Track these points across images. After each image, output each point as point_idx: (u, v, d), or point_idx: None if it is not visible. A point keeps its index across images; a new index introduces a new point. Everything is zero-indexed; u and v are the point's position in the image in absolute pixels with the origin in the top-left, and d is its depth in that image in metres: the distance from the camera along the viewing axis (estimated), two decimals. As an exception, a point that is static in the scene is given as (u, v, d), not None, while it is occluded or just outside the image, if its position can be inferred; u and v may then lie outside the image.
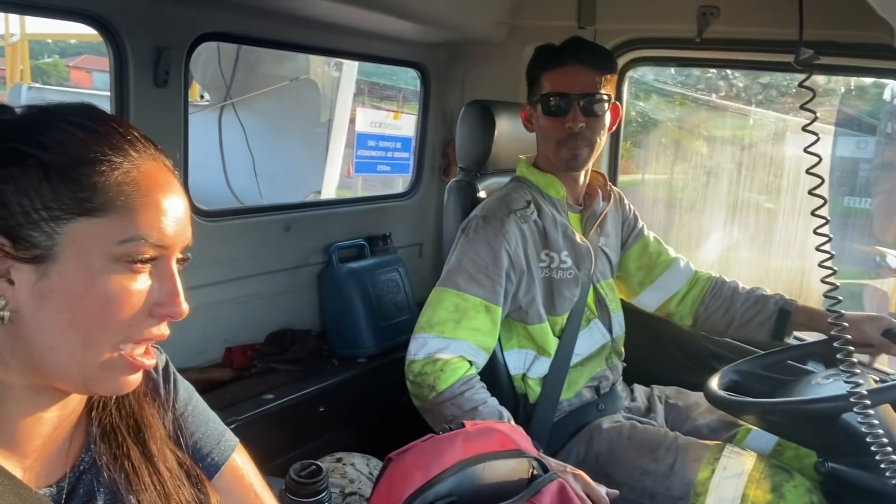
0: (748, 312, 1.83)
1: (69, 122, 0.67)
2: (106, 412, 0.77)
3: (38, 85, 6.49)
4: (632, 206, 1.98)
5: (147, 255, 0.68)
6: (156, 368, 0.84)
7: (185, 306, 0.71)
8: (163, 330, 0.71)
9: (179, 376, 0.87)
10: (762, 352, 1.80)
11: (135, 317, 0.67)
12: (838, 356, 1.15)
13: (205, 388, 0.91)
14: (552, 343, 1.71)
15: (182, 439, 0.83)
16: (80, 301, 0.65)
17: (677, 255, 1.96)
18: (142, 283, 0.68)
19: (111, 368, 0.68)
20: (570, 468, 1.33)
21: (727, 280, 1.90)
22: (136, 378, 0.71)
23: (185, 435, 0.84)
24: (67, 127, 0.67)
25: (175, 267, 0.71)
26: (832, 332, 1.16)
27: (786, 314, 1.77)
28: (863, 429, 1.09)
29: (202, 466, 0.84)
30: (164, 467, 0.78)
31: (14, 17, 6.76)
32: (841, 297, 1.13)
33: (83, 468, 0.74)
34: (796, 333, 1.84)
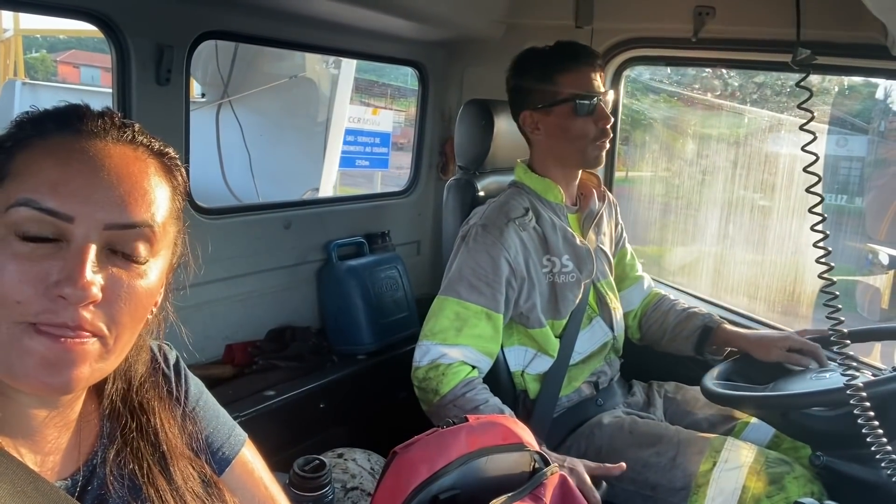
0: (678, 327, 1.92)
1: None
2: (115, 408, 0.77)
3: (31, 81, 6.47)
4: (619, 217, 2.03)
5: (36, 226, 0.62)
6: (167, 364, 0.85)
7: (86, 288, 0.61)
8: (66, 316, 0.62)
9: (189, 372, 0.88)
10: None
11: (25, 293, 0.61)
12: (834, 349, 1.18)
13: (206, 385, 0.92)
14: (553, 344, 1.74)
15: (194, 434, 0.84)
16: None
17: (643, 273, 2.05)
18: (36, 259, 0.62)
19: (13, 347, 0.62)
20: (567, 461, 1.35)
21: (670, 298, 2.00)
22: (45, 371, 0.62)
23: (196, 430, 0.84)
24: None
25: (92, 249, 0.63)
26: (828, 328, 1.18)
27: (708, 331, 1.85)
28: (859, 421, 1.11)
29: (213, 461, 0.86)
30: (176, 467, 0.78)
31: (7, 13, 6.73)
32: (837, 293, 1.16)
33: (96, 462, 0.75)
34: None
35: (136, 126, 0.72)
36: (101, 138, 0.68)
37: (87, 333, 0.63)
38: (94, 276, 0.63)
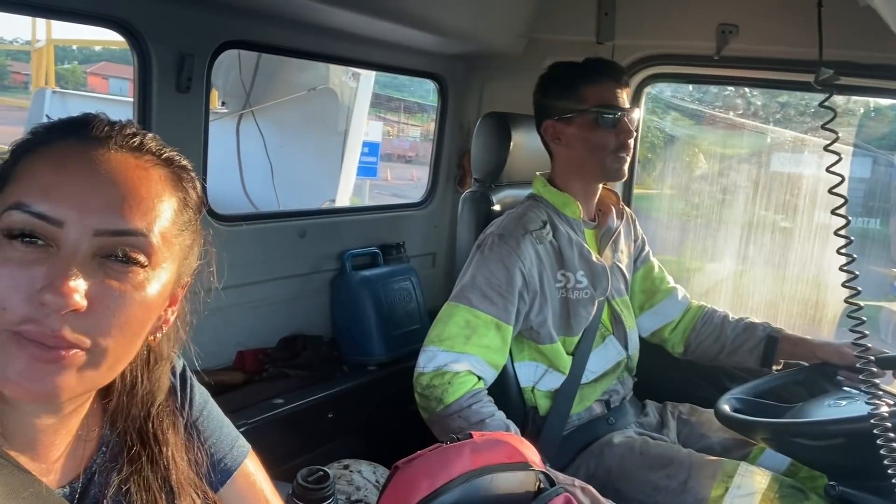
0: (738, 339, 1.85)
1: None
2: (117, 419, 0.77)
3: (61, 90, 6.61)
4: (641, 231, 2.00)
5: (24, 228, 0.61)
6: (173, 373, 0.84)
7: (67, 295, 0.59)
8: (48, 324, 0.60)
9: (195, 381, 0.87)
10: (777, 371, 1.80)
11: (10, 300, 0.60)
12: (861, 377, 1.15)
13: (216, 391, 0.91)
14: (565, 361, 1.71)
15: (196, 444, 0.83)
16: None
17: (676, 284, 1.99)
18: (26, 264, 0.61)
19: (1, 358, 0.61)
20: (577, 482, 1.32)
21: (717, 309, 1.94)
22: (29, 377, 0.61)
23: (199, 439, 0.84)
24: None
25: (80, 255, 0.61)
26: (855, 354, 1.15)
27: (774, 341, 1.80)
28: (882, 451, 1.08)
29: (215, 472, 0.85)
30: (182, 501, 0.77)
31: (40, 23, 6.91)
32: (864, 318, 1.13)
33: (95, 469, 0.75)
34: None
35: (148, 134, 0.70)
36: (104, 144, 0.67)
37: (69, 342, 0.61)
38: (77, 284, 0.60)
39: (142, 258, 0.65)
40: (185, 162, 0.73)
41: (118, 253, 0.64)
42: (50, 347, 0.61)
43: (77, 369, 0.63)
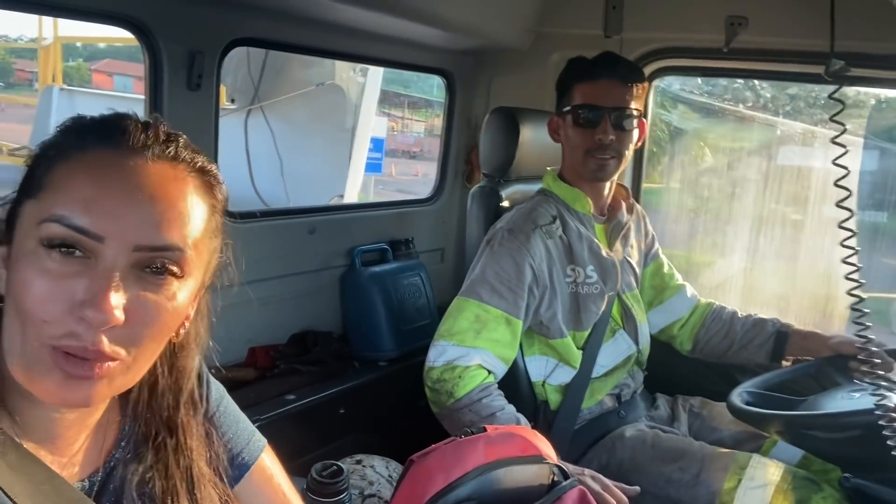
0: (747, 335, 1.86)
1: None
2: (139, 410, 0.78)
3: (68, 87, 6.63)
4: (650, 228, 1.99)
5: (64, 241, 0.62)
6: None
7: (108, 312, 0.60)
8: (87, 339, 0.61)
9: (211, 377, 0.88)
10: (789, 365, 1.80)
11: (51, 312, 0.61)
12: (863, 369, 1.14)
13: (228, 388, 0.92)
14: (575, 356, 1.72)
15: (214, 439, 0.84)
16: (13, 287, 0.63)
17: (684, 282, 1.99)
18: (64, 276, 0.61)
19: (37, 364, 0.62)
20: (587, 471, 1.33)
21: (726, 307, 1.94)
22: (65, 388, 0.62)
23: (217, 435, 0.85)
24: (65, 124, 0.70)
25: (119, 270, 0.62)
26: (857, 346, 1.15)
27: (784, 336, 1.80)
28: (888, 443, 1.08)
29: (232, 466, 0.86)
30: (202, 492, 0.78)
31: (47, 21, 6.93)
32: (867, 310, 1.12)
33: (114, 464, 0.76)
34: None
35: (181, 140, 0.70)
36: (141, 154, 0.66)
37: (107, 355, 0.63)
38: (118, 300, 0.62)
39: (176, 270, 0.66)
40: (214, 169, 0.73)
41: (155, 266, 0.65)
42: (86, 362, 0.62)
43: (110, 377, 0.65)
